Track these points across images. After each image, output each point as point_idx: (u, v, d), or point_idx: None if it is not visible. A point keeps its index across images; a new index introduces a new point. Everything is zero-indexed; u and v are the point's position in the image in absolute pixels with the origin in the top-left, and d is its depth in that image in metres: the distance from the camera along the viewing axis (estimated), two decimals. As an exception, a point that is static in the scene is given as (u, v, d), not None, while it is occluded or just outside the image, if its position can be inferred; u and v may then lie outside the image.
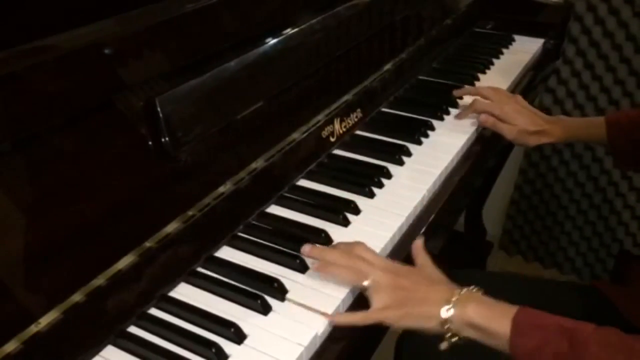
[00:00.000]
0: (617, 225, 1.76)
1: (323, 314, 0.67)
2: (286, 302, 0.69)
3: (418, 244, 0.76)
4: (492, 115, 1.06)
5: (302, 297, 0.70)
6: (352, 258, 0.71)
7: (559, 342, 0.62)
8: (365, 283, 0.68)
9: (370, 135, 1.05)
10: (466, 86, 1.19)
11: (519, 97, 1.10)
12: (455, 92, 1.16)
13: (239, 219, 0.80)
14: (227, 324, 0.65)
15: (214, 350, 0.62)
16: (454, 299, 0.66)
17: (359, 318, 0.68)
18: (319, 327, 0.66)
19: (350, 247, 0.73)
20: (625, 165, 1.07)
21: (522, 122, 1.05)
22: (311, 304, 0.68)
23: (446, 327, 0.66)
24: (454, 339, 0.67)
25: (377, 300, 0.68)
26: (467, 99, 1.14)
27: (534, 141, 1.06)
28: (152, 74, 0.69)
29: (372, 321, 0.67)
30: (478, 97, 1.09)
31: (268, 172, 0.84)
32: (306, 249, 0.73)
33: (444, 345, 0.68)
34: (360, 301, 0.71)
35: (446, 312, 0.66)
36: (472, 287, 0.69)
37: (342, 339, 0.67)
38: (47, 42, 0.60)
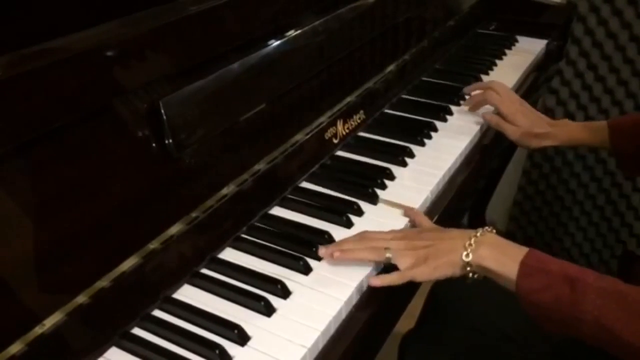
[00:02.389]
0: (621, 227, 1.75)
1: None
2: (289, 303, 0.69)
3: (410, 209, 0.84)
4: (499, 112, 1.07)
5: (305, 298, 0.70)
6: (365, 241, 0.75)
7: (561, 287, 0.66)
8: (388, 255, 0.72)
9: (373, 136, 1.05)
10: (476, 83, 1.19)
11: (524, 101, 1.11)
12: (466, 89, 1.16)
13: (242, 220, 0.81)
14: (230, 325, 0.65)
15: (217, 351, 0.62)
16: (472, 242, 0.71)
17: (395, 278, 0.72)
18: (322, 328, 0.66)
19: (359, 234, 0.77)
20: (630, 170, 1.06)
21: (526, 123, 1.05)
22: (315, 305, 0.69)
23: (468, 269, 0.72)
24: (475, 276, 0.73)
25: (403, 263, 0.72)
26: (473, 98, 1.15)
27: (536, 143, 1.06)
28: (155, 76, 0.69)
29: (407, 279, 0.72)
30: (490, 90, 1.10)
31: (271, 173, 0.84)
32: (322, 250, 0.74)
33: (468, 280, 0.73)
34: (365, 300, 0.72)
35: (466, 257, 0.71)
36: (485, 228, 0.74)
37: (345, 340, 0.67)
38: (51, 44, 0.60)
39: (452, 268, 0.72)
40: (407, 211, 0.84)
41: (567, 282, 0.66)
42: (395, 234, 0.77)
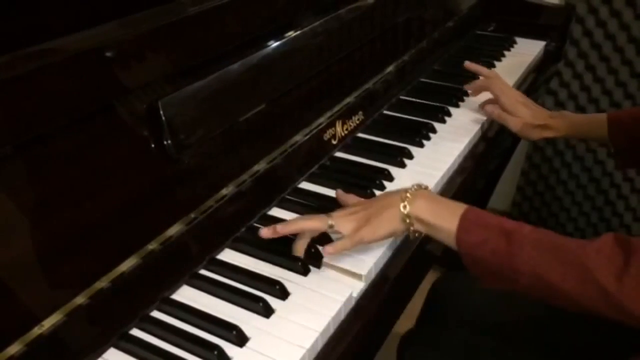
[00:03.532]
0: (619, 228, 1.76)
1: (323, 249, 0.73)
2: (288, 304, 0.69)
3: (340, 191, 0.85)
4: (499, 102, 1.08)
5: (303, 299, 0.70)
6: (305, 216, 0.77)
7: (498, 240, 0.68)
8: (330, 222, 0.74)
9: (372, 137, 1.05)
10: (480, 67, 1.19)
11: (524, 95, 1.11)
12: (468, 65, 1.17)
13: (241, 221, 0.81)
14: (229, 326, 0.65)
15: (216, 352, 0.62)
16: (408, 195, 0.74)
17: (346, 242, 0.73)
18: (321, 329, 0.66)
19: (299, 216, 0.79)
20: (625, 164, 1.07)
21: (527, 114, 1.06)
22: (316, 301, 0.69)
23: (407, 221, 0.74)
24: (416, 234, 0.75)
25: (347, 229, 0.74)
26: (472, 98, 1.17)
27: (537, 135, 1.07)
28: (155, 76, 0.69)
29: (356, 241, 0.73)
30: (493, 80, 1.11)
31: (270, 174, 0.84)
32: (263, 231, 0.75)
33: (411, 236, 0.75)
34: (364, 300, 0.72)
35: (403, 208, 0.73)
36: (420, 184, 0.77)
37: (344, 341, 0.67)
38: (51, 45, 0.60)
39: (394, 222, 0.74)
40: (339, 194, 0.85)
41: (504, 235, 0.67)
42: (333, 210, 0.78)
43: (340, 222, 0.74)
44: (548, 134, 1.07)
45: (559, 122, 1.06)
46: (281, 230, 0.74)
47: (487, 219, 0.71)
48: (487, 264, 0.69)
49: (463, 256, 0.71)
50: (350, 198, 0.83)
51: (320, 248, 0.74)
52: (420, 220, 0.73)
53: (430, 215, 0.72)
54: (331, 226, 0.74)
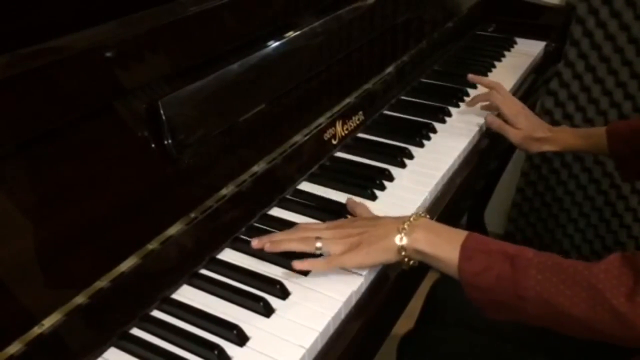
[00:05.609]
0: (619, 228, 1.76)
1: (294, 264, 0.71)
2: (288, 304, 0.69)
3: (352, 199, 0.84)
4: (500, 112, 1.08)
5: (304, 299, 0.70)
6: (299, 231, 0.76)
7: (502, 266, 0.66)
8: (318, 244, 0.72)
9: (372, 137, 1.05)
10: (482, 77, 1.20)
11: (525, 106, 1.12)
12: (471, 77, 1.18)
13: (241, 221, 0.81)
14: (229, 326, 0.65)
15: (216, 352, 0.62)
16: (405, 226, 0.71)
17: (321, 264, 0.71)
18: (321, 329, 0.66)
19: (295, 226, 0.78)
20: (630, 176, 1.06)
21: (527, 126, 1.06)
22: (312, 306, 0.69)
23: (402, 254, 0.71)
24: (411, 263, 0.73)
25: (334, 251, 0.72)
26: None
27: (536, 148, 1.07)
28: (155, 76, 0.69)
29: (334, 266, 0.72)
30: (494, 91, 1.10)
31: (270, 174, 0.84)
32: (254, 242, 0.74)
33: (405, 266, 0.73)
34: (364, 300, 0.72)
35: (400, 240, 0.71)
36: (419, 212, 0.74)
37: (343, 341, 0.67)
38: (51, 44, 0.60)
39: (386, 253, 0.72)
40: (349, 201, 0.84)
41: (508, 260, 0.66)
42: (327, 224, 0.77)
43: (329, 245, 0.72)
44: (547, 147, 1.07)
45: (558, 136, 1.07)
46: (268, 249, 0.73)
47: (488, 244, 0.68)
48: (491, 292, 0.66)
49: (465, 286, 0.68)
50: (362, 208, 0.81)
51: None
52: (418, 252, 0.71)
53: (428, 247, 0.70)
54: (318, 248, 0.72)
